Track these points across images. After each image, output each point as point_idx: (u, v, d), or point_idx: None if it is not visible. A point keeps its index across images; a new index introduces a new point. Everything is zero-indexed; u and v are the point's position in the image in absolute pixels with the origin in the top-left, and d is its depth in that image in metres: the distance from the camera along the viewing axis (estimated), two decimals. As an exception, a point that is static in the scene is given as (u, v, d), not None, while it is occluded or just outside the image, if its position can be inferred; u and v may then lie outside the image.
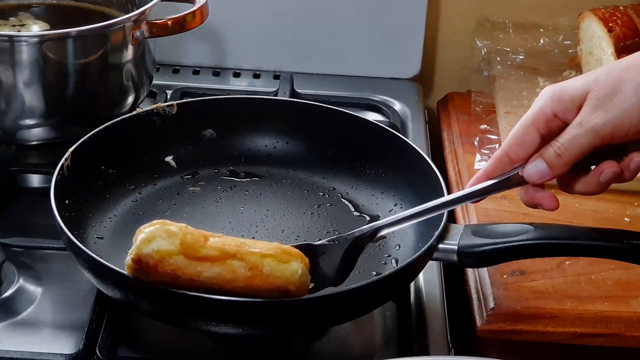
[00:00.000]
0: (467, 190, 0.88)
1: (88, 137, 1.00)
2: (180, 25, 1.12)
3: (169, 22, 1.12)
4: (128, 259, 0.80)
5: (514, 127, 0.86)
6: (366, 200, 1.04)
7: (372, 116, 1.26)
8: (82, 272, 0.88)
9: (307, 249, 0.83)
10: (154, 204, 1.02)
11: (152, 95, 1.25)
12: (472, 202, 0.90)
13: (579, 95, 0.81)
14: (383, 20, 1.37)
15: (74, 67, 1.08)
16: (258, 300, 0.79)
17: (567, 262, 1.01)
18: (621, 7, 1.24)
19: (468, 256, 0.90)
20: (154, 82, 1.21)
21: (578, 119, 0.80)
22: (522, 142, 0.84)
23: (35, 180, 1.11)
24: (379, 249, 0.98)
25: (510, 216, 1.09)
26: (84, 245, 0.86)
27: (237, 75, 1.39)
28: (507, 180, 0.86)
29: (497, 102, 1.28)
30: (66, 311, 0.92)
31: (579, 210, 1.11)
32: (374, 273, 0.94)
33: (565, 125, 0.82)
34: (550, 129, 0.83)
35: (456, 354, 0.92)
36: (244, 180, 1.07)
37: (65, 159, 0.97)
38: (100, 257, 0.85)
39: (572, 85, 0.82)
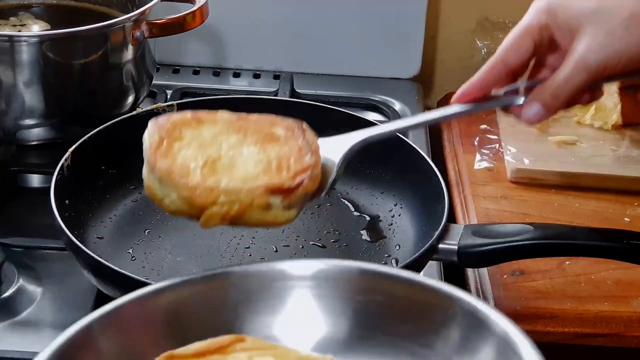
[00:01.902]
0: (458, 106, 0.88)
1: (88, 137, 1.00)
2: (180, 25, 1.12)
3: (169, 22, 1.12)
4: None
5: (508, 36, 0.86)
6: (366, 200, 1.04)
7: (372, 116, 1.26)
8: (82, 272, 0.88)
9: None
10: (154, 203, 1.02)
11: (152, 95, 1.25)
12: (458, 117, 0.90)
13: (574, 25, 0.80)
14: (383, 20, 1.37)
15: (74, 67, 1.08)
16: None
17: (567, 262, 1.01)
18: (621, 7, 1.24)
19: (468, 256, 0.90)
20: (154, 82, 1.21)
21: (572, 58, 0.80)
22: (518, 48, 0.84)
23: (35, 180, 1.11)
24: (379, 249, 0.98)
25: (510, 216, 1.09)
26: (84, 245, 0.86)
27: (237, 75, 1.39)
28: (495, 101, 0.86)
29: (497, 102, 1.27)
30: (66, 311, 0.92)
31: (579, 210, 1.11)
32: (374, 273, 0.94)
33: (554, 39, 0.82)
34: (542, 38, 0.83)
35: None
36: (244, 180, 1.07)
37: (65, 159, 0.97)
38: (100, 257, 0.85)
39: (568, 9, 0.81)
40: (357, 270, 0.74)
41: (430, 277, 0.99)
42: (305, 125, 0.81)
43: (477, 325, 0.67)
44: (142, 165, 1.06)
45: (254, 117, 0.82)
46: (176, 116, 0.81)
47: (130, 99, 1.14)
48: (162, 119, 0.80)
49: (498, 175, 1.16)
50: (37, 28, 1.19)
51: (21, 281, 0.94)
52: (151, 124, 0.80)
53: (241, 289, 0.74)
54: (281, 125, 0.81)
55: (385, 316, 0.71)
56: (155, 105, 1.08)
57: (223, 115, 0.83)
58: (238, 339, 0.70)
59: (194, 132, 0.80)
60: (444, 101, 1.35)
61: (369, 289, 0.73)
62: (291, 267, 0.75)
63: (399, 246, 0.98)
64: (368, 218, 1.02)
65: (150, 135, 0.80)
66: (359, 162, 1.07)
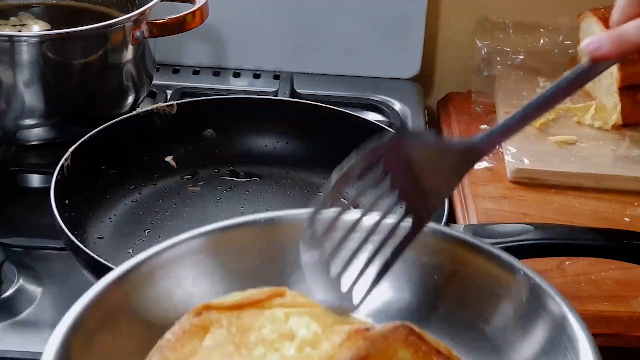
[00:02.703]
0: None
1: (88, 137, 1.00)
2: (180, 25, 1.12)
3: (169, 22, 1.12)
4: None
5: None
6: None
7: (372, 116, 1.26)
8: (82, 272, 0.88)
9: None
10: (154, 204, 1.02)
11: (152, 95, 1.25)
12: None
13: None
14: (383, 20, 1.37)
15: (74, 67, 1.08)
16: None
17: (567, 262, 1.01)
18: (621, 7, 1.24)
19: (468, 256, 0.90)
20: (154, 82, 1.21)
21: None
22: None
23: (35, 180, 1.11)
24: (379, 249, 0.98)
25: (510, 216, 1.09)
26: (84, 245, 0.86)
27: (237, 75, 1.39)
28: None
29: (497, 102, 1.28)
30: (66, 311, 0.92)
31: (579, 210, 1.11)
32: (374, 273, 0.94)
33: None
34: None
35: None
36: (244, 180, 1.07)
37: (65, 159, 0.97)
38: (100, 257, 0.85)
39: None
40: (429, 230, 0.69)
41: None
42: (414, 327, 0.64)
43: (536, 303, 0.65)
44: (142, 165, 1.07)
45: (371, 350, 0.62)
46: None
47: (130, 99, 1.14)
48: None
49: (498, 175, 1.16)
50: (37, 28, 1.19)
51: (21, 281, 0.94)
52: None
53: (292, 236, 0.69)
54: (399, 345, 0.63)
55: (448, 283, 0.69)
56: (155, 105, 1.09)
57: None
58: (277, 292, 0.67)
59: None
60: (444, 101, 1.35)
61: (436, 251, 0.69)
62: (355, 218, 0.68)
63: (399, 246, 0.98)
64: (368, 218, 1.02)
65: None
66: (359, 162, 1.07)
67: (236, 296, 0.67)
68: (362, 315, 0.67)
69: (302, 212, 0.71)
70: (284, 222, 0.73)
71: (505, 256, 0.69)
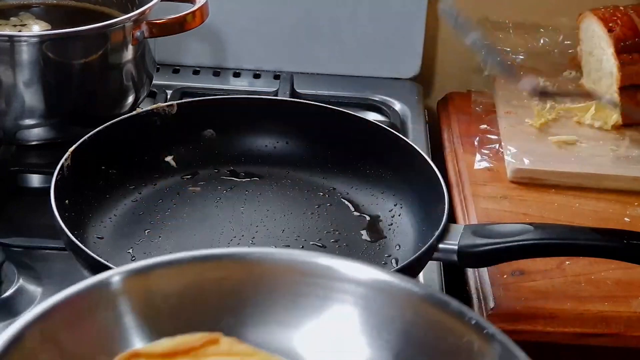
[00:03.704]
0: None
1: (88, 137, 1.00)
2: (180, 25, 1.12)
3: (169, 22, 1.12)
4: None
5: None
6: (366, 200, 1.04)
7: (372, 116, 1.26)
8: (82, 272, 0.88)
9: None
10: (154, 204, 1.02)
11: (152, 95, 1.25)
12: None
13: None
14: (383, 20, 1.37)
15: (74, 67, 1.08)
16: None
17: (567, 262, 1.01)
18: (621, 7, 1.24)
19: (468, 256, 0.90)
20: (154, 82, 1.21)
21: None
22: None
23: (35, 180, 1.11)
24: (379, 249, 0.98)
25: (510, 216, 1.09)
26: (84, 245, 0.86)
27: (237, 75, 1.39)
28: None
29: (497, 102, 1.28)
30: (66, 311, 0.92)
31: (579, 210, 1.11)
32: (374, 273, 0.94)
33: None
34: None
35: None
36: (244, 180, 1.07)
37: (65, 159, 0.97)
38: (100, 257, 0.85)
39: None
40: (416, 291, 0.61)
41: (430, 276, 1.00)
42: None
43: None
44: (142, 165, 1.07)
45: None
46: None
47: (130, 99, 1.14)
48: None
49: (498, 175, 1.16)
50: (37, 28, 1.19)
51: (21, 281, 0.94)
52: None
53: (260, 279, 0.62)
54: None
55: (425, 349, 0.60)
56: (155, 105, 1.08)
57: None
58: (211, 339, 0.61)
59: None
60: (444, 101, 1.35)
61: (420, 314, 0.60)
62: (340, 265, 0.61)
63: (399, 246, 0.98)
64: (368, 218, 1.02)
65: None
66: (359, 162, 1.07)
67: (166, 343, 0.61)
68: None
69: (287, 252, 0.65)
70: (258, 260, 0.63)
71: (483, 323, 0.60)
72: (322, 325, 0.61)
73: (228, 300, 0.62)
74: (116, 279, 0.63)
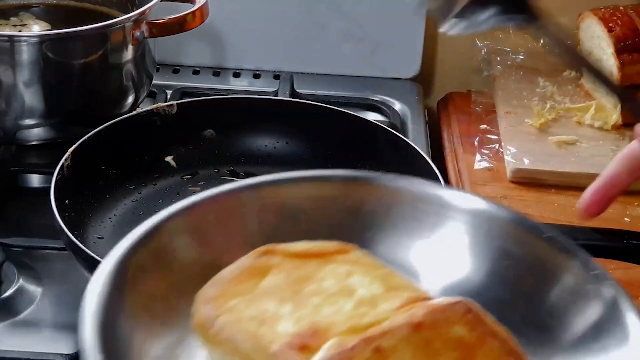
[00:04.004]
0: None
1: (88, 137, 1.00)
2: (180, 25, 1.12)
3: (169, 22, 1.12)
4: None
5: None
6: (366, 200, 1.04)
7: (372, 116, 1.26)
8: (82, 272, 0.88)
9: None
10: (154, 204, 1.02)
11: (152, 95, 1.25)
12: None
13: None
14: (383, 20, 1.37)
15: (74, 67, 1.08)
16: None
17: (567, 262, 1.01)
18: (621, 7, 1.24)
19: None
20: (154, 82, 1.21)
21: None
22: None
23: (35, 180, 1.11)
24: (379, 249, 0.98)
25: (510, 216, 1.09)
26: (84, 245, 0.86)
27: (237, 75, 1.39)
28: None
29: (497, 102, 1.28)
30: (66, 311, 0.92)
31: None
32: (374, 273, 0.94)
33: None
34: None
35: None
36: (244, 180, 1.07)
37: (65, 159, 0.97)
38: (100, 257, 0.85)
39: None
40: (516, 219, 0.70)
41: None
42: (475, 306, 0.63)
43: (590, 286, 0.68)
44: (142, 165, 1.07)
45: (426, 318, 0.61)
46: (357, 358, 0.59)
47: (130, 99, 1.14)
48: None
49: (498, 175, 1.16)
50: (37, 28, 1.19)
51: (21, 281, 0.94)
52: None
53: (383, 200, 0.70)
54: (456, 319, 0.62)
55: (521, 274, 0.68)
56: (155, 105, 1.09)
57: (398, 331, 0.61)
58: (344, 249, 0.66)
59: None
60: (444, 101, 1.35)
61: (521, 242, 0.69)
62: (450, 195, 0.70)
63: (399, 246, 0.98)
64: (368, 218, 1.02)
65: None
66: (359, 163, 1.07)
67: (302, 245, 0.67)
68: (435, 289, 0.68)
69: (406, 180, 0.72)
70: (359, 182, 0.72)
71: (566, 242, 0.70)
72: (433, 244, 0.70)
73: (351, 217, 0.70)
74: (257, 186, 0.70)
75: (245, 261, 0.66)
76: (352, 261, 0.66)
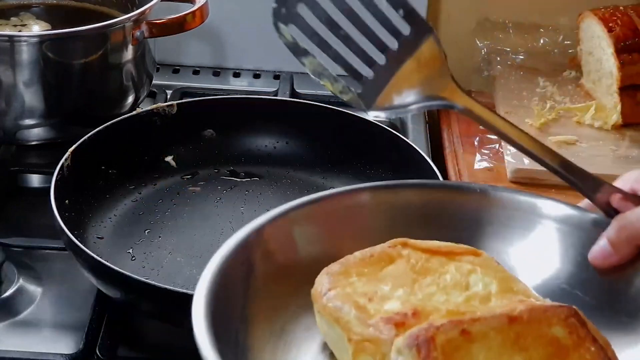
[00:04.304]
0: None
1: (88, 137, 1.00)
2: (180, 25, 1.12)
3: (169, 22, 1.12)
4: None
5: None
6: (366, 200, 1.04)
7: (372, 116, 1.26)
8: (82, 272, 0.88)
9: None
10: (154, 204, 1.02)
11: (152, 95, 1.25)
12: None
13: None
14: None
15: (74, 67, 1.08)
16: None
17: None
18: (621, 7, 1.24)
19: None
20: (154, 82, 1.21)
21: None
22: None
23: (35, 180, 1.11)
24: (379, 249, 0.98)
25: (510, 216, 1.09)
26: (84, 245, 0.86)
27: (237, 75, 1.39)
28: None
29: (497, 102, 1.28)
30: (66, 311, 0.92)
31: (579, 210, 1.10)
32: (374, 273, 0.94)
33: None
34: None
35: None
36: (244, 180, 1.07)
37: (65, 159, 0.97)
38: (100, 257, 0.85)
39: None
40: (602, 222, 0.74)
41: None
42: (580, 313, 0.65)
43: None
44: (142, 165, 1.07)
45: (525, 314, 0.63)
46: (440, 337, 0.61)
47: (130, 99, 1.14)
48: (424, 347, 0.61)
49: (498, 175, 1.16)
50: (38, 28, 1.19)
51: (21, 281, 0.94)
52: (413, 354, 0.61)
53: (487, 208, 0.77)
54: (557, 321, 0.64)
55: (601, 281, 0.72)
56: (155, 105, 1.08)
57: (491, 321, 0.63)
58: (474, 252, 0.71)
59: (467, 359, 0.62)
60: (444, 101, 1.35)
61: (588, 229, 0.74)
62: (542, 203, 0.78)
63: (399, 246, 0.98)
64: (368, 218, 1.02)
65: None
66: (359, 163, 1.07)
67: (432, 243, 0.71)
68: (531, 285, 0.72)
69: (507, 192, 0.80)
70: (487, 194, 0.78)
71: None
72: (527, 247, 0.76)
73: (455, 220, 0.77)
74: (370, 191, 0.78)
75: (377, 248, 0.70)
76: (477, 263, 0.70)
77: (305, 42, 0.74)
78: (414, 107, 0.76)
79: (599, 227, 0.74)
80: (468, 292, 0.67)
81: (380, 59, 0.76)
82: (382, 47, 0.75)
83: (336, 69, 0.75)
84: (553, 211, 0.78)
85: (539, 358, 0.62)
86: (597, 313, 0.69)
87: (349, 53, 0.75)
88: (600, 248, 0.73)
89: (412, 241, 0.71)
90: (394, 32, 0.75)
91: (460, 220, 0.76)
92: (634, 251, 0.72)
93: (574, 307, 0.65)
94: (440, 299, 0.66)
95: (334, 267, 0.69)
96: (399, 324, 0.63)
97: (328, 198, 0.76)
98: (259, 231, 0.71)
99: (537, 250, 0.76)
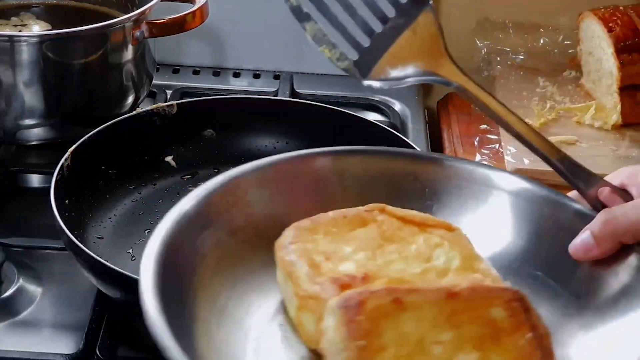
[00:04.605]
0: None
1: (88, 137, 1.00)
2: (180, 25, 1.12)
3: (169, 22, 1.12)
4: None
5: None
6: (366, 200, 1.04)
7: (372, 116, 1.26)
8: (82, 272, 0.88)
9: None
10: (154, 204, 1.02)
11: (152, 95, 1.25)
12: None
13: None
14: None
15: (74, 67, 1.08)
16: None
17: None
18: (621, 7, 1.24)
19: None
20: (154, 82, 1.21)
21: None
22: None
23: (35, 180, 1.11)
24: (379, 249, 0.98)
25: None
26: (84, 245, 0.86)
27: (237, 75, 1.39)
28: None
29: (497, 102, 1.27)
30: (66, 311, 0.92)
31: (579, 210, 1.10)
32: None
33: None
34: None
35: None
36: (244, 180, 1.07)
37: (65, 159, 0.97)
38: (100, 257, 0.85)
39: None
40: (559, 200, 0.75)
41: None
42: (524, 297, 0.65)
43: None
44: (142, 165, 1.07)
45: (465, 291, 0.63)
46: (371, 302, 0.61)
47: (130, 99, 1.14)
48: (352, 310, 0.60)
49: (498, 175, 1.16)
50: (38, 28, 1.19)
51: (21, 281, 0.94)
52: (340, 315, 0.61)
53: (435, 176, 0.77)
54: (499, 302, 0.63)
55: (556, 249, 0.72)
56: (155, 105, 1.08)
57: (428, 293, 0.62)
58: (446, 226, 0.71)
59: (394, 328, 0.61)
60: (444, 101, 1.35)
61: (558, 221, 0.74)
62: (496, 175, 0.77)
63: (399, 246, 0.98)
64: (368, 218, 1.02)
65: (342, 340, 0.60)
66: (359, 162, 1.07)
67: (411, 212, 0.71)
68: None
69: (456, 160, 0.80)
70: (434, 162, 0.78)
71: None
72: (479, 216, 0.76)
73: (412, 187, 0.76)
74: (327, 155, 0.77)
75: (353, 210, 0.70)
76: (447, 237, 0.69)
77: (307, 7, 0.77)
78: (409, 80, 0.76)
79: (579, 219, 0.73)
80: (427, 264, 0.67)
81: (378, 27, 0.76)
82: (380, 16, 0.76)
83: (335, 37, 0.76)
84: (507, 184, 0.77)
85: (470, 337, 0.61)
86: (546, 289, 0.71)
87: (348, 20, 0.75)
88: (582, 241, 0.72)
89: (389, 208, 0.71)
90: (393, 1, 0.76)
91: (418, 190, 0.77)
92: (615, 247, 0.71)
93: (522, 292, 0.64)
94: (397, 268, 0.66)
95: (304, 222, 0.69)
96: (345, 285, 0.63)
97: (284, 161, 0.76)
98: (209, 195, 0.71)
99: (490, 222, 0.76)
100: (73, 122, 1.10)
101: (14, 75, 1.05)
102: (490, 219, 0.76)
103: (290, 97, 1.26)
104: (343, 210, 0.70)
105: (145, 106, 1.13)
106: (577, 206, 0.75)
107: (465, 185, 0.77)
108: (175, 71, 1.38)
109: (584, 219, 0.73)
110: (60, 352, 0.86)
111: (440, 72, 0.77)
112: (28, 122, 1.08)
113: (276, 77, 1.37)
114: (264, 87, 1.34)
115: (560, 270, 0.72)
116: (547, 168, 1.14)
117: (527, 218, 0.75)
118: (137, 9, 1.11)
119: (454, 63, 0.77)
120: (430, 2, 0.77)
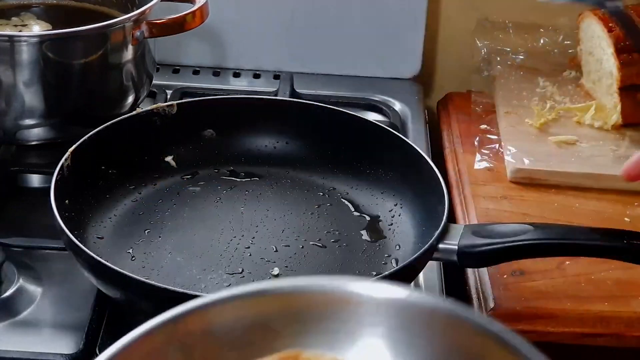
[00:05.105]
0: None
1: (88, 137, 1.00)
2: (180, 25, 1.12)
3: (169, 22, 1.12)
4: None
5: None
6: (366, 200, 1.04)
7: (372, 116, 1.26)
8: (82, 272, 0.88)
9: None
10: (154, 204, 1.02)
11: (152, 95, 1.25)
12: None
13: None
14: (383, 20, 1.37)
15: (74, 67, 1.08)
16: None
17: (567, 262, 1.01)
18: (621, 7, 1.24)
19: (468, 256, 0.90)
20: (154, 82, 1.21)
21: None
22: None
23: (35, 180, 1.11)
24: (379, 249, 0.98)
25: (510, 216, 1.09)
26: (84, 245, 0.86)
27: (237, 75, 1.39)
28: None
29: (497, 102, 1.28)
30: (66, 311, 0.92)
31: (579, 210, 1.11)
32: (374, 273, 0.94)
33: None
34: None
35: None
36: (244, 180, 1.07)
37: (65, 159, 0.97)
38: (100, 257, 0.85)
39: None
40: (446, 311, 0.60)
41: (430, 276, 1.00)
42: None
43: None
44: (142, 165, 1.07)
45: None
46: None
47: (130, 99, 1.14)
48: None
49: (498, 175, 1.16)
50: (38, 28, 1.19)
51: (21, 281, 0.94)
52: None
53: (296, 310, 0.63)
54: None
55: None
56: (155, 105, 1.08)
57: None
58: (291, 355, 0.61)
59: None
60: (444, 101, 1.35)
61: (452, 337, 0.60)
62: (365, 289, 0.62)
63: (399, 246, 0.98)
64: (368, 218, 1.02)
65: None
66: (359, 163, 1.07)
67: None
68: None
69: (317, 281, 0.64)
70: (292, 293, 0.64)
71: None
72: (359, 350, 0.62)
73: (277, 330, 0.63)
74: (178, 317, 0.64)
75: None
76: None
77: None
78: None
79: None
80: None
81: None
82: None
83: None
84: (376, 296, 0.62)
85: None
86: None
87: None
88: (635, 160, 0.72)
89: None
90: None
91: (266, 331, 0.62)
92: None
93: None
94: None
95: None
96: None
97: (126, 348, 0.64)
98: None
99: (369, 351, 0.62)
100: (73, 122, 1.10)
101: (14, 75, 1.05)
102: (369, 352, 0.61)
103: (290, 97, 1.26)
104: None
105: (145, 106, 1.12)
106: (484, 321, 0.59)
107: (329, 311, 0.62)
108: (175, 71, 1.38)
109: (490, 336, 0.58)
110: (60, 352, 0.86)
111: None
112: (28, 122, 1.08)
113: (276, 77, 1.37)
114: (264, 87, 1.34)
115: None
116: (548, 168, 1.15)
117: (416, 341, 0.60)
118: (137, 9, 1.11)
119: None
120: None
